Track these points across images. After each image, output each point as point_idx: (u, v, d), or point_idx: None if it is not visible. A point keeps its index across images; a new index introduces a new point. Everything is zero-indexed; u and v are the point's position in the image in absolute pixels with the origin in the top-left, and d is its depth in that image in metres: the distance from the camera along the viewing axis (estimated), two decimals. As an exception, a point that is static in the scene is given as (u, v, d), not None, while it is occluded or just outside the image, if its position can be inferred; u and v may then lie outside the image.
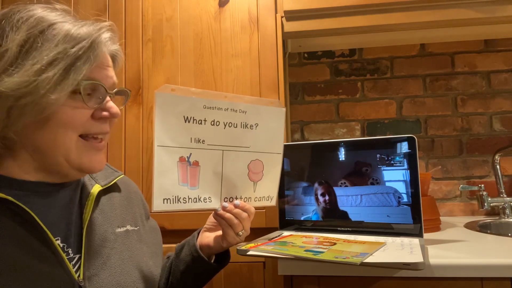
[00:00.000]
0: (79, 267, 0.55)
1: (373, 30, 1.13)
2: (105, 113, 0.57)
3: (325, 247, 0.71)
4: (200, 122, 0.69)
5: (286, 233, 0.88)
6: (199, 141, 0.69)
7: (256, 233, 0.88)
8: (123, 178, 0.73)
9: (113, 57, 0.62)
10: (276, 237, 0.83)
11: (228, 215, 0.70)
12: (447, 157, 1.40)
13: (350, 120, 1.46)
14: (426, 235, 0.91)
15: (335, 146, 0.91)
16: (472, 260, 0.71)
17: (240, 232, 0.71)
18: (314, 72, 1.49)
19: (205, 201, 0.71)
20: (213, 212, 0.73)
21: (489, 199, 1.21)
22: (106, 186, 0.66)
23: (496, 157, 1.26)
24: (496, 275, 0.69)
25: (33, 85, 0.49)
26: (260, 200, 0.78)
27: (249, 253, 0.71)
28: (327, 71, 1.49)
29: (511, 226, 1.19)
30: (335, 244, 0.73)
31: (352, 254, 0.64)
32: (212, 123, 0.70)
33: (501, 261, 0.69)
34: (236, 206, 0.71)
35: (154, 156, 0.64)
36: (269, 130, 0.77)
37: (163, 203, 0.66)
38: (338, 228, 0.88)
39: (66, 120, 0.54)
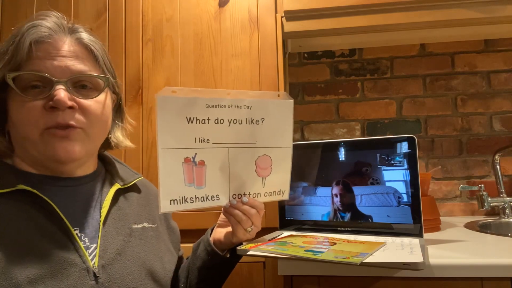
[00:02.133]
0: (94, 256, 0.58)
1: (373, 30, 1.13)
2: (50, 102, 0.56)
3: (325, 247, 0.71)
4: (203, 121, 0.67)
5: (286, 233, 0.88)
6: (203, 140, 0.68)
7: (256, 233, 0.88)
8: (143, 181, 0.77)
9: (82, 45, 0.62)
10: (276, 237, 0.83)
11: (235, 211, 0.70)
12: (447, 157, 1.40)
13: (350, 120, 1.46)
14: (426, 235, 0.91)
15: (335, 146, 0.91)
16: (472, 260, 0.70)
17: (249, 228, 0.70)
18: (314, 72, 1.49)
19: (212, 199, 0.70)
20: (222, 208, 0.73)
21: (489, 199, 1.21)
22: (125, 186, 0.70)
23: (496, 157, 1.26)
24: (496, 275, 0.69)
25: None
26: (271, 195, 0.77)
27: (249, 253, 0.71)
28: (327, 71, 1.49)
29: (511, 226, 1.19)
30: (335, 244, 0.73)
31: (352, 254, 0.64)
32: (216, 121, 0.68)
33: (501, 261, 0.69)
34: (244, 203, 0.71)
35: (159, 159, 0.63)
36: (276, 124, 0.76)
37: (170, 204, 0.65)
38: (338, 228, 0.88)
39: (20, 118, 0.57)
